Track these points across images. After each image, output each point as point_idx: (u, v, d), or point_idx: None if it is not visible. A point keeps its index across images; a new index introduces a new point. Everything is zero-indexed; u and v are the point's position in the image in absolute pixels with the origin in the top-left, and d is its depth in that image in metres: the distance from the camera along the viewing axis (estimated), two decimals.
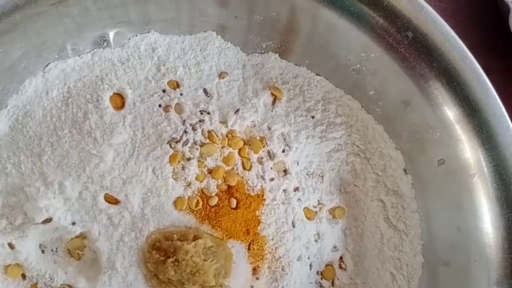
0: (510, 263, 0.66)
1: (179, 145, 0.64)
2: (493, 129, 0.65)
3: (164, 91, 0.66)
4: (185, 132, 0.65)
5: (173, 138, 0.64)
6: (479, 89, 0.65)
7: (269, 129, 0.69)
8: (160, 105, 0.66)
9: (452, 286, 0.69)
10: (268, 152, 0.68)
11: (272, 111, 0.70)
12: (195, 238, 0.65)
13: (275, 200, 0.68)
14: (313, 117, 0.72)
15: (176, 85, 0.67)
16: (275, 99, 0.71)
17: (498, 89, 0.70)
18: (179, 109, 0.66)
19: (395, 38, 0.64)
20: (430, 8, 0.63)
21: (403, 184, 0.71)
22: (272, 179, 0.68)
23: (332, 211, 0.73)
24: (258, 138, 0.68)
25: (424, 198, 0.71)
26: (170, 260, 0.63)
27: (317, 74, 0.71)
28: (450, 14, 0.78)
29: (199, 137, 0.65)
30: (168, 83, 0.67)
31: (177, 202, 0.64)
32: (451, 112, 0.66)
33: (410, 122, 0.69)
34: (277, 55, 0.71)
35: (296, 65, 0.71)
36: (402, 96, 0.68)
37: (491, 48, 0.80)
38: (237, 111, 0.68)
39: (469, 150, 0.66)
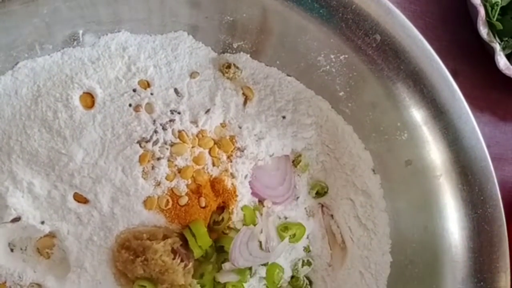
0: (474, 263, 0.67)
1: (149, 145, 0.64)
2: (459, 130, 0.67)
3: (134, 90, 0.66)
4: (155, 131, 0.65)
5: (143, 137, 0.64)
6: (446, 92, 0.66)
7: (240, 128, 0.69)
8: (130, 105, 0.66)
9: (419, 284, 0.70)
10: (239, 149, 0.68)
11: (243, 111, 0.71)
12: (165, 237, 0.65)
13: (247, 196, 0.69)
14: (284, 117, 0.72)
15: (146, 84, 0.67)
16: (246, 99, 0.71)
17: (466, 92, 0.72)
18: (149, 108, 0.66)
19: (364, 40, 0.65)
20: (398, 12, 0.64)
21: (371, 184, 0.72)
22: (245, 176, 0.69)
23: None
24: (228, 137, 0.68)
25: (393, 197, 0.72)
26: (139, 259, 0.63)
27: (288, 75, 0.72)
28: (420, 16, 0.79)
29: (169, 137, 0.65)
30: (138, 83, 0.67)
31: (146, 202, 0.64)
32: (418, 114, 0.67)
33: (378, 123, 0.70)
34: (248, 55, 0.71)
35: (267, 65, 0.72)
36: (370, 98, 0.69)
37: (460, 51, 0.81)
38: (208, 111, 0.68)
39: (435, 151, 0.67)
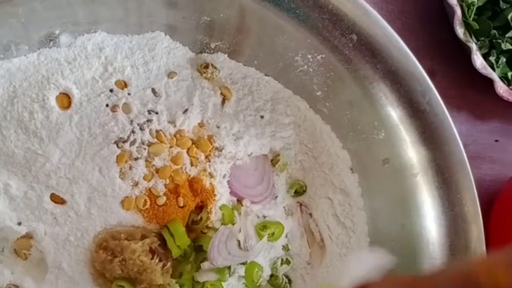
0: (451, 261, 0.68)
1: (127, 145, 0.64)
2: (436, 129, 0.67)
3: (111, 90, 0.66)
4: (133, 132, 0.65)
5: (120, 138, 0.64)
6: (422, 91, 0.67)
7: (218, 127, 0.69)
8: (107, 105, 0.66)
9: None
10: (217, 149, 0.68)
11: (221, 110, 0.71)
12: (143, 237, 0.65)
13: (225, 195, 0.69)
14: (262, 116, 0.72)
15: (124, 84, 0.67)
16: (224, 99, 0.71)
17: (443, 91, 0.72)
18: (126, 109, 0.66)
19: (340, 40, 0.66)
20: (374, 12, 0.65)
21: (350, 183, 0.73)
22: (223, 176, 0.69)
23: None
24: (206, 137, 0.68)
25: (370, 196, 0.72)
26: (117, 259, 0.63)
27: (266, 75, 0.72)
28: (397, 16, 0.79)
29: (147, 137, 0.65)
30: (115, 83, 0.67)
31: (124, 202, 0.64)
32: (394, 113, 0.68)
33: (356, 123, 0.70)
34: (226, 55, 0.71)
35: (245, 65, 0.72)
36: (347, 97, 0.69)
37: (437, 51, 0.82)
38: (185, 110, 0.68)
39: (412, 150, 0.68)
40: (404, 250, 0.70)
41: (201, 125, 0.69)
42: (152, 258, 0.64)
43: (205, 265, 0.68)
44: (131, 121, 0.65)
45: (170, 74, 0.69)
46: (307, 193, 0.75)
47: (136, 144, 0.65)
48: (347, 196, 0.73)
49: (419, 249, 0.69)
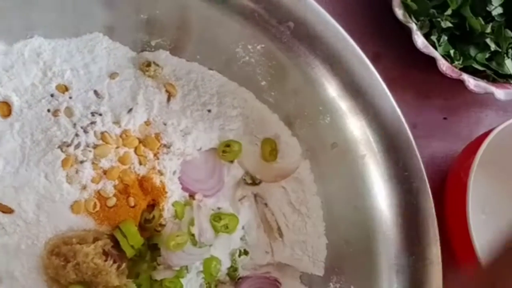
0: (405, 237, 0.69)
1: (71, 149, 0.64)
2: (379, 110, 0.68)
3: (52, 95, 0.66)
4: (77, 135, 0.64)
5: (64, 142, 0.64)
6: (363, 73, 0.68)
7: (165, 124, 0.69)
8: (49, 110, 0.65)
9: (355, 263, 0.72)
10: (165, 146, 0.68)
11: (167, 107, 0.71)
12: (95, 240, 0.65)
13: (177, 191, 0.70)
14: (209, 111, 0.73)
15: (64, 88, 0.67)
16: (169, 96, 0.71)
17: (389, 73, 0.74)
18: (68, 112, 0.65)
19: (278, 29, 0.66)
20: None
21: (302, 169, 0.74)
22: (173, 172, 0.69)
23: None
24: (153, 135, 0.68)
25: (323, 181, 0.73)
26: (70, 264, 0.63)
27: (210, 69, 0.72)
28: (338, 2, 0.80)
29: (91, 139, 0.65)
30: (56, 87, 0.66)
31: (73, 206, 0.64)
32: (338, 97, 0.68)
33: (302, 109, 0.71)
34: (168, 52, 0.71)
35: (188, 61, 0.72)
36: (291, 85, 0.70)
37: (380, 34, 0.83)
38: (130, 110, 0.68)
39: (357, 132, 0.69)
40: (358, 230, 0.71)
41: (147, 123, 0.69)
42: (106, 260, 0.64)
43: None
44: (74, 124, 0.65)
45: (112, 75, 0.69)
46: (261, 183, 0.75)
47: (81, 147, 0.64)
48: (300, 183, 0.74)
49: (373, 229, 0.70)
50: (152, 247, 0.68)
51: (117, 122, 0.67)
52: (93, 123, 0.65)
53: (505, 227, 0.84)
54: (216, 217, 0.70)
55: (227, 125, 0.73)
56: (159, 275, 0.68)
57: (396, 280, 0.68)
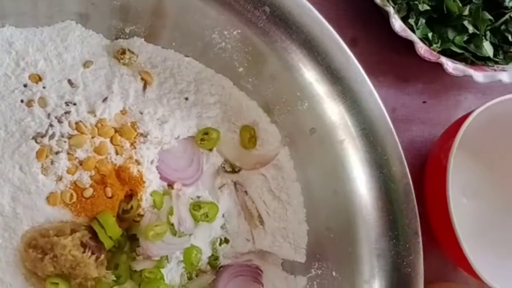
0: (385, 221, 0.69)
1: (46, 140, 0.63)
2: (356, 94, 0.68)
3: (25, 85, 0.65)
4: (51, 125, 0.64)
5: (38, 133, 0.63)
6: (340, 57, 0.67)
7: (141, 113, 0.68)
8: (22, 101, 0.64)
9: (336, 248, 0.71)
10: (142, 135, 0.67)
11: (143, 96, 0.70)
12: (73, 231, 0.64)
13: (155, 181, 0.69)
14: (186, 98, 0.72)
15: (38, 78, 0.66)
16: (145, 84, 0.70)
17: (367, 57, 0.73)
18: (42, 102, 0.65)
19: (254, 13, 0.65)
20: None
21: (281, 156, 0.73)
22: (151, 162, 0.68)
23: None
24: (129, 124, 0.67)
25: (302, 167, 0.73)
26: (48, 256, 0.62)
27: (186, 56, 0.71)
28: None
29: (66, 129, 0.64)
30: (29, 77, 0.65)
31: (49, 198, 0.63)
32: (315, 82, 0.68)
33: (280, 95, 0.70)
34: (143, 39, 0.70)
35: (164, 48, 0.71)
36: (269, 71, 0.69)
37: (358, 19, 0.82)
38: (105, 99, 0.67)
39: (336, 117, 0.68)
40: (339, 216, 0.71)
41: (123, 112, 0.68)
42: (84, 252, 0.64)
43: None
44: (48, 114, 0.64)
45: (86, 63, 0.68)
46: (241, 171, 0.75)
47: (56, 138, 0.63)
48: (280, 170, 0.74)
49: (353, 213, 0.70)
50: (131, 238, 0.68)
51: (92, 112, 0.66)
52: (67, 112, 0.65)
53: (485, 209, 0.85)
54: (196, 206, 0.69)
55: (204, 113, 0.72)
56: (138, 266, 0.67)
57: (377, 264, 0.68)
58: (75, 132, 0.64)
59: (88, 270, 0.63)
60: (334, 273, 0.71)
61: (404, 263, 0.69)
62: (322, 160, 0.71)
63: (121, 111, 0.68)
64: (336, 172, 0.70)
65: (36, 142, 0.63)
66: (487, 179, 0.85)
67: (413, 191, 0.69)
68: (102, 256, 0.65)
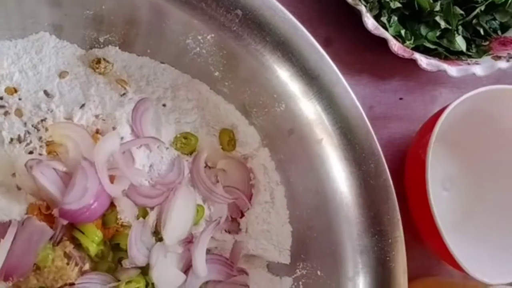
0: (366, 218, 0.70)
1: (22, 146, 0.63)
2: (332, 93, 0.68)
3: (1, 98, 0.65)
4: (28, 132, 0.63)
5: (15, 139, 0.63)
6: (314, 57, 0.68)
7: (119, 120, 0.68)
8: None
9: (320, 247, 0.72)
10: (122, 138, 0.67)
11: (120, 104, 0.70)
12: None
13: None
14: (164, 105, 0.72)
15: (13, 90, 0.66)
16: (122, 92, 0.70)
17: (342, 57, 0.74)
18: (19, 113, 0.65)
19: (226, 17, 0.66)
20: None
21: (262, 158, 0.73)
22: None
23: None
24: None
25: (284, 168, 0.73)
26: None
27: (162, 62, 0.72)
28: None
29: (43, 135, 0.64)
30: (5, 90, 0.65)
31: (28, 208, 0.63)
32: (291, 83, 0.68)
33: (257, 98, 0.71)
34: (117, 48, 0.70)
35: (139, 55, 0.71)
36: (244, 74, 0.70)
37: (331, 19, 0.83)
38: (82, 105, 0.67)
39: (313, 117, 0.69)
40: (321, 215, 0.71)
41: (101, 118, 0.68)
42: (68, 263, 0.63)
43: (126, 263, 0.67)
44: (25, 123, 0.64)
45: (62, 74, 0.68)
46: None
47: (32, 145, 0.63)
48: (262, 172, 0.74)
49: (334, 212, 0.70)
50: (114, 248, 0.67)
51: (69, 118, 0.66)
52: (44, 120, 0.64)
53: (464, 201, 0.86)
54: None
55: (183, 118, 0.73)
56: (122, 276, 0.67)
57: (361, 260, 0.69)
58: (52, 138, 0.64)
59: (71, 281, 0.62)
60: (319, 272, 0.72)
61: (387, 258, 0.69)
62: (302, 160, 0.71)
63: (98, 117, 0.68)
64: (316, 171, 0.70)
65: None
66: (464, 171, 0.86)
67: (392, 186, 0.70)
68: (86, 266, 0.64)
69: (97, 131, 0.67)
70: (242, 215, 0.74)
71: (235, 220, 0.75)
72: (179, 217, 0.67)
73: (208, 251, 0.70)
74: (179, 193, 0.68)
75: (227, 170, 0.75)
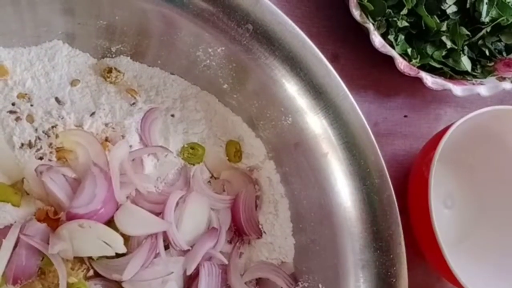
0: (369, 232, 0.70)
1: (33, 151, 0.64)
2: (339, 109, 0.69)
3: (13, 104, 0.65)
4: (38, 138, 0.64)
5: (26, 144, 0.64)
6: (322, 73, 0.69)
7: (129, 127, 0.69)
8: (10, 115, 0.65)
9: (322, 261, 0.72)
10: (131, 147, 0.68)
11: (130, 113, 0.71)
12: None
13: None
14: (173, 115, 0.73)
15: (26, 97, 0.66)
16: (132, 102, 0.71)
17: (348, 73, 0.75)
18: (30, 119, 0.66)
19: (237, 31, 0.67)
20: (266, 0, 0.66)
21: (267, 170, 0.74)
22: None
23: None
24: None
25: (288, 181, 0.74)
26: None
27: (172, 73, 0.73)
28: (296, 5, 0.82)
29: (53, 142, 0.65)
30: (17, 96, 0.66)
31: (36, 213, 0.64)
32: (298, 97, 0.69)
33: (264, 111, 0.72)
34: (129, 58, 0.71)
35: (150, 66, 0.72)
36: (253, 87, 0.71)
37: (339, 35, 0.84)
38: (93, 113, 0.68)
39: (319, 131, 0.70)
40: (324, 229, 0.72)
41: (110, 126, 0.69)
42: (72, 268, 0.64)
43: None
44: (36, 129, 0.65)
45: (73, 82, 0.69)
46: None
47: (42, 150, 0.64)
48: (267, 185, 0.75)
49: (338, 226, 0.71)
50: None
51: (79, 126, 0.67)
52: (54, 126, 0.65)
53: (466, 219, 0.86)
54: None
55: (191, 129, 0.74)
56: None
57: (362, 275, 0.69)
58: (62, 144, 0.65)
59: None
60: (320, 285, 0.72)
61: (389, 273, 0.70)
62: (307, 173, 0.72)
63: (107, 126, 0.69)
64: (320, 185, 0.71)
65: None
66: (466, 189, 0.87)
67: (395, 202, 0.70)
68: (91, 271, 0.65)
69: (106, 139, 0.68)
70: None
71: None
72: (191, 223, 0.67)
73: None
74: (189, 199, 0.68)
75: (232, 181, 0.76)
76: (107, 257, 0.64)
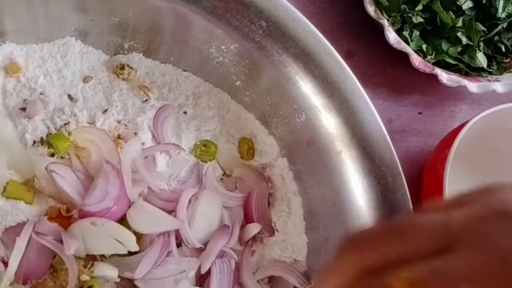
0: None
1: (44, 150, 0.64)
2: (353, 107, 0.69)
3: (25, 101, 0.65)
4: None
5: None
6: (336, 70, 0.68)
7: (141, 126, 0.69)
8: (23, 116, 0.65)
9: None
10: (143, 144, 0.68)
11: (142, 110, 0.71)
12: None
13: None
14: (185, 112, 0.73)
15: (38, 93, 0.66)
16: (144, 98, 0.71)
17: (362, 70, 0.74)
18: (43, 116, 0.65)
19: (250, 28, 0.66)
20: None
21: (280, 168, 0.74)
22: None
23: None
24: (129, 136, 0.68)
25: (301, 179, 0.74)
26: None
27: (184, 70, 0.72)
28: (310, 1, 0.81)
29: None
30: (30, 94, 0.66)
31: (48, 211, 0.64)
32: (312, 95, 0.69)
33: (277, 108, 0.71)
34: (141, 54, 0.71)
35: (162, 63, 0.72)
36: (266, 84, 0.70)
37: (353, 32, 0.83)
38: (105, 111, 0.68)
39: (333, 129, 0.69)
40: (337, 227, 0.71)
41: (123, 123, 0.69)
42: (84, 265, 0.64)
43: None
44: (48, 127, 0.65)
45: (86, 79, 0.69)
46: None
47: None
48: (280, 182, 0.74)
49: (351, 225, 0.70)
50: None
51: (92, 123, 0.67)
52: (67, 124, 0.65)
53: None
54: None
55: (203, 126, 0.73)
56: None
57: None
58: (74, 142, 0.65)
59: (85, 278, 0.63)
60: None
61: None
62: (320, 171, 0.72)
63: (120, 123, 0.68)
64: (333, 183, 0.71)
65: None
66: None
67: (410, 201, 0.70)
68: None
69: (119, 136, 0.68)
70: None
71: None
72: (203, 221, 0.67)
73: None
74: (202, 197, 0.68)
75: (244, 178, 0.75)
76: (120, 255, 0.63)
